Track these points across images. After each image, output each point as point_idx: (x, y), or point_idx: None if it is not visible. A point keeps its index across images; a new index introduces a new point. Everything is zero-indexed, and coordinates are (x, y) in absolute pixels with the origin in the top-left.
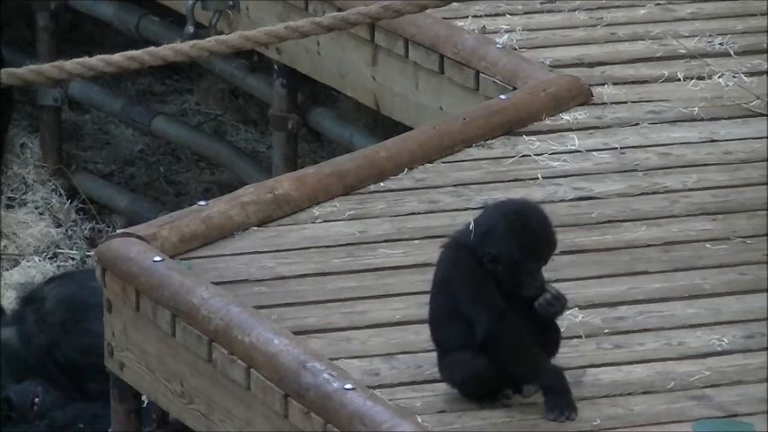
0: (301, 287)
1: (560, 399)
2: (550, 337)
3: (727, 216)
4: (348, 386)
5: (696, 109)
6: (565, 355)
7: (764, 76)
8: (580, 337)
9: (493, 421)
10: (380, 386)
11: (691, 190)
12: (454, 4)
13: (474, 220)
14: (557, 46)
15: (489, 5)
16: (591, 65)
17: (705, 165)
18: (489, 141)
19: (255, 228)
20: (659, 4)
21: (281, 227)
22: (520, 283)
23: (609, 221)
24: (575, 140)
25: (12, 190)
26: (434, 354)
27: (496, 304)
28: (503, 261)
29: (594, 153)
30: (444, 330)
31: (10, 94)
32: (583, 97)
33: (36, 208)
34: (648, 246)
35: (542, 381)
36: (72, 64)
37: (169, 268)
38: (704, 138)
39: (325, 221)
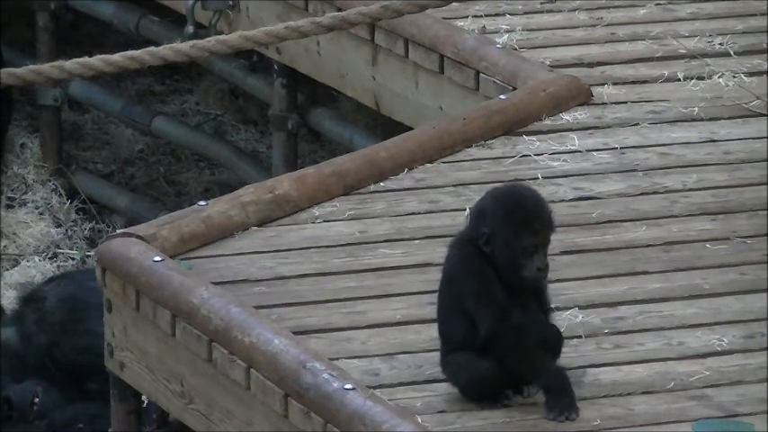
0: (301, 287)
1: (561, 399)
2: (552, 341)
3: (727, 216)
4: (348, 386)
5: (696, 109)
6: (565, 355)
7: (764, 76)
8: (580, 337)
9: (493, 421)
10: (380, 386)
11: (691, 190)
12: (454, 4)
13: (469, 209)
14: (557, 46)
15: (489, 5)
16: (591, 65)
17: (705, 165)
18: (489, 141)
19: (255, 228)
20: (659, 4)
21: (281, 227)
22: (517, 264)
23: (609, 221)
24: (575, 140)
25: (12, 190)
26: (434, 354)
27: (500, 303)
28: (497, 240)
29: (594, 153)
30: (449, 326)
31: (10, 94)
32: (583, 97)
33: (36, 208)
34: (648, 246)
35: (544, 381)
36: (72, 64)
37: (169, 268)
38: (704, 138)
39: (325, 221)
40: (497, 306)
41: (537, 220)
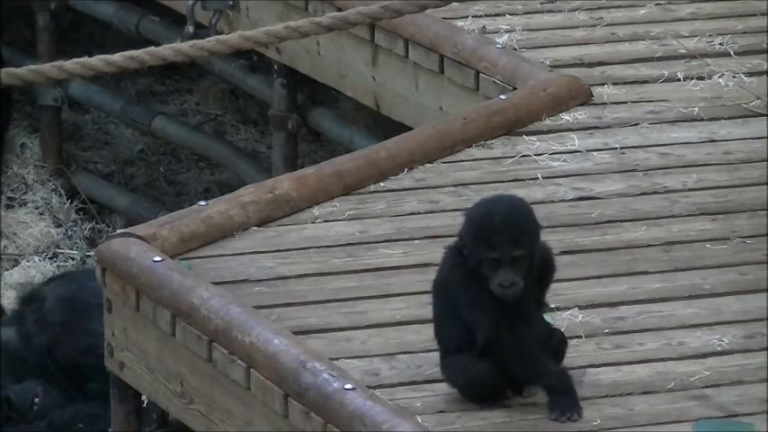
0: (301, 287)
1: (564, 399)
2: (554, 345)
3: (727, 216)
4: (348, 386)
5: (696, 109)
6: (565, 356)
7: (764, 76)
8: (580, 337)
9: (493, 421)
10: (380, 386)
11: (691, 190)
12: (454, 4)
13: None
14: (557, 46)
15: (489, 5)
16: (591, 65)
17: (705, 165)
18: (489, 141)
19: (255, 228)
20: (659, 4)
21: (281, 227)
22: (482, 275)
23: (609, 221)
24: (575, 140)
25: (12, 190)
26: (434, 354)
27: (494, 309)
28: (467, 248)
29: (594, 153)
30: (445, 329)
31: (10, 94)
32: (583, 97)
33: (36, 208)
34: (648, 246)
35: (545, 382)
36: (72, 64)
37: (169, 268)
38: (704, 138)
39: (325, 221)
40: (492, 312)
41: (498, 234)
